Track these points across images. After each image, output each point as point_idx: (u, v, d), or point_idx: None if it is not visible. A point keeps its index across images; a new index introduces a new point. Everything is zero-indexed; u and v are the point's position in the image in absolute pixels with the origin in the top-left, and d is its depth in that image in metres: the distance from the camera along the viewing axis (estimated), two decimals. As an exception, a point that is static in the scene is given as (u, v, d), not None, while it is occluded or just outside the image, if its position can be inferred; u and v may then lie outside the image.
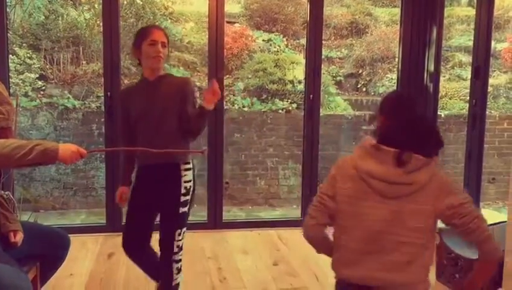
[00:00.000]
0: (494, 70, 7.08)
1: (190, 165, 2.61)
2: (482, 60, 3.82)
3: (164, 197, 2.55)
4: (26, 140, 1.98)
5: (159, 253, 2.61)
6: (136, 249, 2.66)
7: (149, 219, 2.65)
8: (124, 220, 2.74)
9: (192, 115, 2.49)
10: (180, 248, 2.58)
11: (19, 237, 2.22)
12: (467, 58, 7.21)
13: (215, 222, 4.42)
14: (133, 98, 2.57)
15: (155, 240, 2.64)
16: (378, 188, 1.71)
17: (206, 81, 4.34)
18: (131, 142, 2.55)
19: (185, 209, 2.58)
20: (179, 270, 2.60)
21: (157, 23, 6.72)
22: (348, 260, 1.79)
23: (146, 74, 2.56)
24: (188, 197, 2.59)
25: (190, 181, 2.60)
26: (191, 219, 4.91)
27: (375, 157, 1.73)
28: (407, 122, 1.81)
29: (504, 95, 7.04)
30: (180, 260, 2.59)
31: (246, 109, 6.39)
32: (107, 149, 2.31)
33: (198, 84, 6.53)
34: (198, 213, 5.35)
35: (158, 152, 2.31)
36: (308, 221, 1.86)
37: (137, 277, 3.06)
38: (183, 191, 2.55)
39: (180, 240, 2.57)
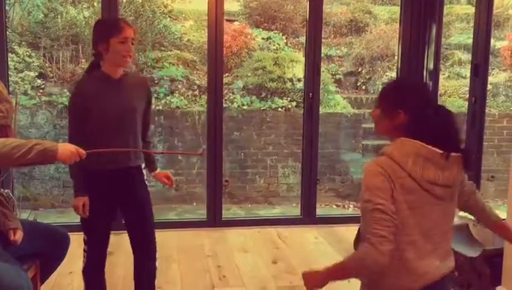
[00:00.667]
0: (494, 69, 7.08)
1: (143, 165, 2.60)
2: (481, 58, 3.82)
3: (138, 200, 2.50)
4: (26, 139, 1.98)
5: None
6: (103, 267, 2.54)
7: (110, 228, 2.52)
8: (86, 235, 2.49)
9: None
10: None
11: (19, 235, 2.22)
12: (466, 56, 7.21)
13: (214, 220, 4.42)
14: (96, 96, 2.33)
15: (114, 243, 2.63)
16: (439, 194, 1.66)
17: (206, 79, 4.33)
18: (85, 142, 2.16)
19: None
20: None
21: (156, 22, 6.72)
22: (422, 271, 1.67)
23: (108, 71, 2.36)
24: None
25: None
26: (191, 217, 4.92)
27: (433, 162, 1.64)
28: (435, 115, 1.68)
29: (503, 93, 7.04)
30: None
31: (245, 107, 6.38)
32: (106, 150, 2.28)
33: (197, 82, 6.53)
34: (198, 211, 5.36)
35: (156, 153, 2.28)
36: (382, 246, 1.53)
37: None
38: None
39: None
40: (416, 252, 1.66)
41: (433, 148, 1.63)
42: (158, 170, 2.66)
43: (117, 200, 2.47)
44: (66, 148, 1.97)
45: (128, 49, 2.31)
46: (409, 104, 1.70)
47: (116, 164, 2.40)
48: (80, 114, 2.34)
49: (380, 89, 1.85)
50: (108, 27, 2.35)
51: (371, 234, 1.55)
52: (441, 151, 1.63)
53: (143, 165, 2.56)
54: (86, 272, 2.50)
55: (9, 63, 4.36)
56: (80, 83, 2.52)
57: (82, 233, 2.50)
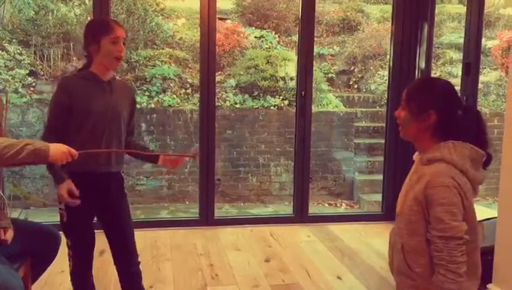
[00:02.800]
0: (485, 68, 7.13)
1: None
2: (472, 57, 3.84)
3: (116, 207, 2.44)
4: (17, 137, 1.97)
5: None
6: (90, 269, 2.46)
7: (92, 229, 2.42)
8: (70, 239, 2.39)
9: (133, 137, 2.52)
10: None
11: (9, 235, 2.20)
12: (457, 56, 7.25)
13: (207, 219, 4.41)
14: (82, 95, 2.27)
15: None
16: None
17: (198, 77, 4.32)
18: (61, 139, 2.11)
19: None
20: None
21: (148, 20, 6.69)
22: (478, 272, 1.72)
23: (97, 72, 2.30)
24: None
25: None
26: (183, 215, 4.91)
27: (479, 163, 1.67)
28: (465, 115, 1.69)
29: (494, 92, 7.09)
30: None
31: (237, 105, 6.38)
32: (98, 150, 2.26)
33: (190, 80, 6.52)
34: (190, 210, 5.35)
35: (150, 154, 2.25)
36: (460, 270, 1.57)
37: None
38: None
39: None
40: (477, 255, 1.68)
41: (479, 150, 1.64)
42: (160, 158, 2.48)
43: (96, 203, 2.38)
44: (58, 148, 1.96)
45: (120, 49, 2.26)
46: (441, 104, 1.67)
47: (97, 168, 2.33)
48: (62, 110, 2.26)
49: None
50: (99, 27, 2.29)
51: (446, 261, 1.56)
52: (483, 152, 1.65)
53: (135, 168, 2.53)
54: (74, 276, 2.42)
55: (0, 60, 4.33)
56: (66, 79, 2.43)
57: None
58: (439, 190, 1.57)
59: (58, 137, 2.14)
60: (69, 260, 2.40)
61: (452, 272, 1.54)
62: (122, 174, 2.49)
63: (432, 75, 5.07)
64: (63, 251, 2.45)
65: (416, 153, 1.80)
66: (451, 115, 1.67)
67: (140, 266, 2.52)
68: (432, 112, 1.66)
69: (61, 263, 3.31)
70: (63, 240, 2.43)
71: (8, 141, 1.89)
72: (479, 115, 1.73)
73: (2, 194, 2.93)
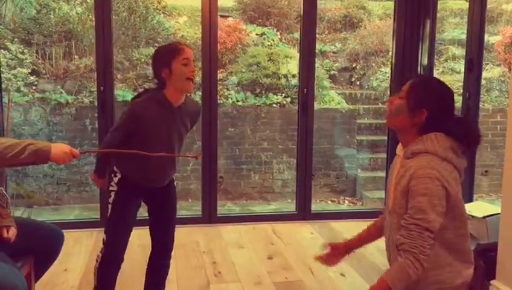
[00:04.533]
0: (487, 64, 7.10)
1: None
2: (475, 53, 3.83)
3: (168, 206, 2.61)
4: (19, 136, 1.97)
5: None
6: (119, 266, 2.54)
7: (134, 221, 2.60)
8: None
9: None
10: None
11: (12, 233, 2.20)
12: (460, 52, 7.22)
13: (209, 217, 4.42)
14: (153, 120, 2.31)
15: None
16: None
17: (200, 75, 4.32)
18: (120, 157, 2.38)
19: None
20: None
21: (149, 18, 6.69)
22: (470, 257, 1.80)
23: (171, 98, 2.32)
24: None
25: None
26: (186, 213, 4.92)
27: (457, 150, 1.74)
28: (456, 124, 1.76)
29: (497, 88, 7.06)
30: None
31: (239, 103, 6.37)
32: (100, 150, 2.27)
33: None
34: (193, 208, 5.35)
35: (153, 156, 2.25)
36: (425, 262, 1.65)
37: (131, 272, 3.05)
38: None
39: None
40: (467, 241, 1.75)
41: (461, 145, 1.73)
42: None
43: (147, 202, 2.59)
44: (59, 148, 1.96)
45: (192, 70, 2.30)
46: (435, 107, 1.73)
47: (154, 184, 2.48)
48: (123, 135, 2.33)
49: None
50: (168, 51, 2.32)
51: (418, 250, 1.62)
52: (464, 148, 1.74)
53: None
54: (102, 268, 2.48)
55: (1, 59, 4.33)
56: (140, 106, 2.35)
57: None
58: (422, 180, 1.62)
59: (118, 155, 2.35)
60: (100, 253, 2.47)
61: (419, 262, 1.61)
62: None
63: (435, 71, 5.05)
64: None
65: (399, 146, 1.85)
66: (441, 119, 1.73)
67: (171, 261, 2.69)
68: (425, 110, 1.72)
69: (64, 262, 3.33)
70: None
71: (11, 141, 1.89)
72: (471, 125, 1.80)
73: (5, 192, 2.93)
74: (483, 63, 4.49)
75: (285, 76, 6.58)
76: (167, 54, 2.30)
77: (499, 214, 2.88)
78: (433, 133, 1.70)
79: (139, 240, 3.23)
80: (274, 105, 6.37)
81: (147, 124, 2.30)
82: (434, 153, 1.66)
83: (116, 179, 2.43)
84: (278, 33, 7.39)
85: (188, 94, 2.50)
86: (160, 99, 2.32)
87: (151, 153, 2.24)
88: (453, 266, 1.73)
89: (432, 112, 1.71)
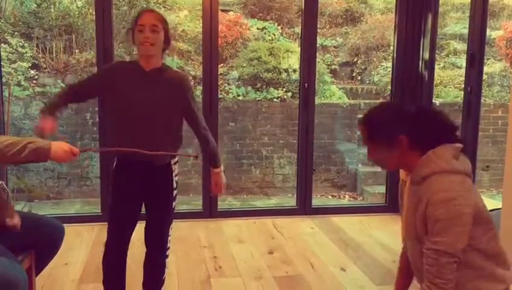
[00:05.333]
0: (489, 58, 7.08)
1: (177, 158, 2.53)
2: (477, 47, 3.82)
3: (157, 193, 2.43)
4: (19, 132, 1.98)
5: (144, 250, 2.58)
6: (124, 246, 2.46)
7: (137, 212, 2.45)
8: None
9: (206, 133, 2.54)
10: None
11: (16, 220, 2.20)
12: (461, 46, 7.20)
13: (210, 211, 4.42)
14: (122, 81, 2.30)
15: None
16: None
17: (201, 70, 4.31)
18: (67, 100, 2.42)
19: (175, 203, 2.54)
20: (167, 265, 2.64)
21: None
22: (506, 260, 1.76)
23: (141, 61, 2.32)
24: (177, 191, 2.54)
25: (178, 174, 2.55)
26: (187, 208, 4.92)
27: (458, 156, 1.70)
28: (418, 113, 1.73)
29: (499, 83, 7.04)
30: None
31: (240, 98, 6.36)
32: (101, 149, 2.29)
33: (192, 73, 6.50)
34: (194, 202, 5.35)
35: (152, 154, 2.21)
36: (447, 286, 1.59)
37: (132, 266, 3.05)
38: (174, 185, 2.49)
39: (170, 235, 2.59)
40: (499, 241, 1.72)
41: (455, 144, 1.68)
42: (218, 169, 2.55)
43: (137, 187, 2.40)
44: (59, 147, 1.97)
45: (145, 36, 2.23)
46: (402, 123, 1.67)
47: (132, 157, 2.30)
48: (91, 80, 2.44)
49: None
50: (134, 18, 2.37)
51: (436, 276, 1.57)
52: (460, 144, 1.69)
53: (173, 161, 2.48)
54: (105, 260, 2.46)
55: (2, 53, 4.32)
56: (112, 63, 2.53)
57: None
58: (438, 206, 1.57)
59: (68, 99, 2.42)
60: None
61: (437, 286, 1.56)
62: (175, 165, 2.49)
63: (436, 66, 5.04)
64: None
65: (402, 171, 1.81)
66: (421, 127, 1.68)
67: (167, 260, 2.61)
68: (399, 136, 1.66)
69: (65, 256, 3.33)
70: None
71: (11, 139, 1.90)
72: (433, 112, 1.76)
73: (6, 187, 2.93)
74: (485, 57, 4.47)
75: (286, 70, 6.57)
76: (133, 21, 2.35)
77: (499, 209, 2.88)
78: (430, 151, 1.65)
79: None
80: (275, 100, 6.36)
81: (114, 80, 2.32)
82: (442, 171, 1.62)
83: (113, 166, 2.43)
84: (279, 27, 7.37)
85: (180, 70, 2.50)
86: (133, 62, 2.40)
87: (148, 150, 2.20)
88: (495, 273, 1.69)
89: (405, 130, 1.66)
